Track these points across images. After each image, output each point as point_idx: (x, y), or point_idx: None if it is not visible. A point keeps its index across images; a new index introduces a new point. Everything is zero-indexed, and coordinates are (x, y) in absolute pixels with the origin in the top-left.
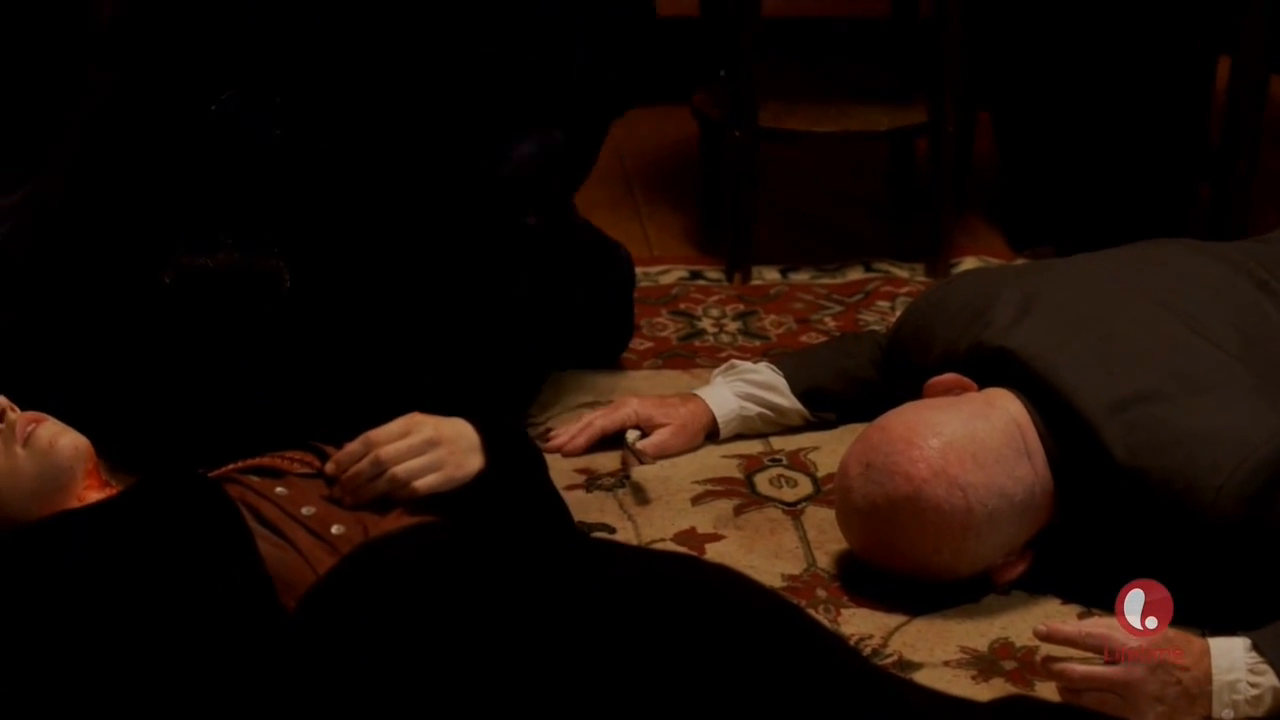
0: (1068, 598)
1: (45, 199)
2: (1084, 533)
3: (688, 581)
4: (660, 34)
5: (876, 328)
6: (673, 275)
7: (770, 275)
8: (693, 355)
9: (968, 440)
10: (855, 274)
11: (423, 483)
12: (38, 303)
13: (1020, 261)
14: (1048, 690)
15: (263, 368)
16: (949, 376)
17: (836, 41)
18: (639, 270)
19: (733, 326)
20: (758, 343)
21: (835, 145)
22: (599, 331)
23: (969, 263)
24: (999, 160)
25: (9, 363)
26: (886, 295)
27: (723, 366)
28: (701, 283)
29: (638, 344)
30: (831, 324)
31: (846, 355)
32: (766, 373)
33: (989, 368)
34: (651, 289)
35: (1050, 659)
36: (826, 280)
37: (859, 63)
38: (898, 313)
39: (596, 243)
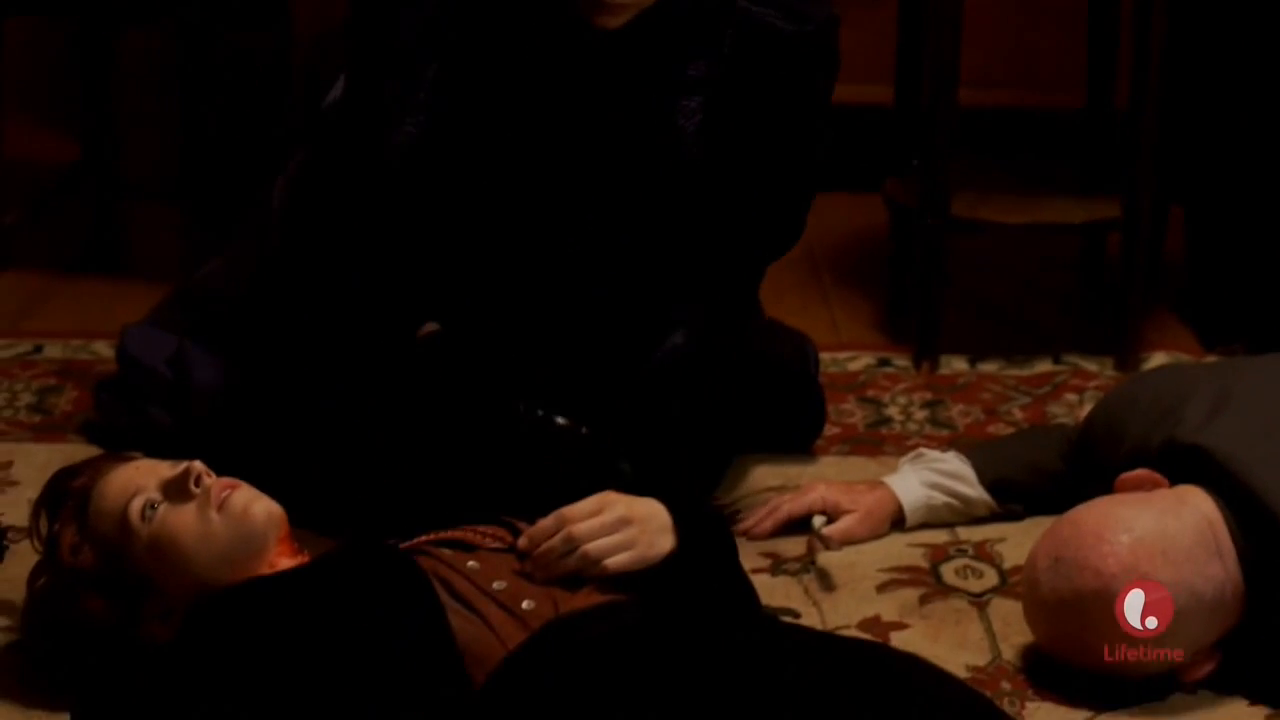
0: (1255, 698)
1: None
2: (1274, 634)
3: (880, 669)
4: (854, 121)
5: (1065, 420)
6: (860, 362)
7: (958, 365)
8: (879, 442)
9: (1158, 537)
10: (1044, 366)
11: (614, 561)
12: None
13: (1211, 358)
14: None
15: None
16: (1141, 472)
17: (1030, 132)
18: (827, 355)
19: (920, 415)
20: (945, 432)
21: (1026, 237)
22: (784, 418)
23: (1159, 358)
24: (1190, 256)
25: (222, 422)
26: (1075, 389)
27: (910, 454)
28: (889, 370)
29: (825, 429)
30: (1019, 415)
31: (1035, 448)
32: (954, 462)
33: (1181, 465)
34: (839, 375)
35: None
36: (1015, 371)
37: (1053, 154)
38: (1086, 406)
39: (782, 331)
